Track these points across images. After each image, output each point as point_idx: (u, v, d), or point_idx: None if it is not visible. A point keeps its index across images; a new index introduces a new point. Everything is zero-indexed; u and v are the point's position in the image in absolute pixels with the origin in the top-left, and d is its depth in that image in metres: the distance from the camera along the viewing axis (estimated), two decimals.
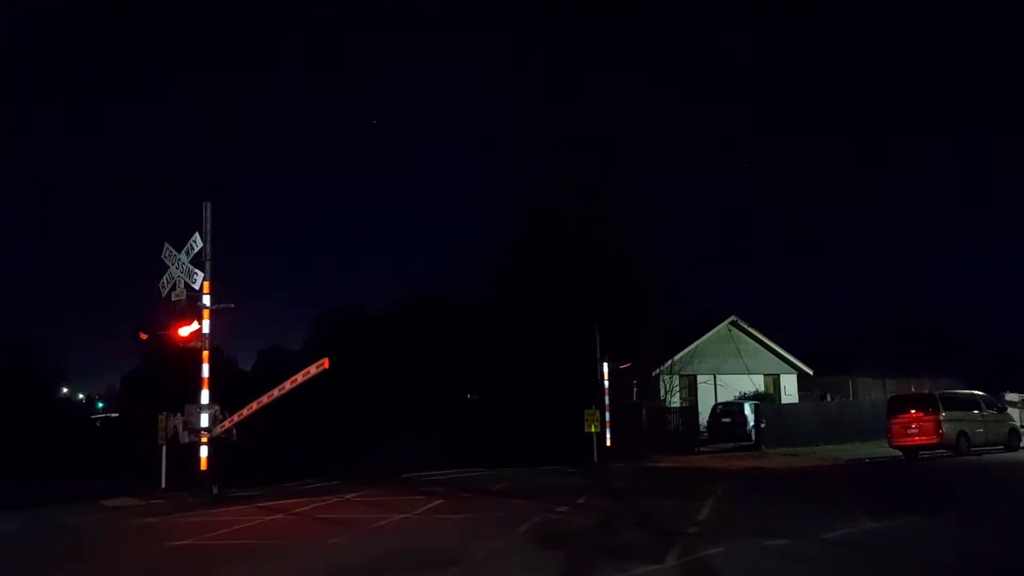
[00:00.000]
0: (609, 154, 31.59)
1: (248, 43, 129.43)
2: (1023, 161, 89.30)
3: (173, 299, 18.12)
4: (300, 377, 16.40)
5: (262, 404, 17.36)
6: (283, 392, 16.93)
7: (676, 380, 31.99)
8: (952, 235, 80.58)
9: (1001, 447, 24.86)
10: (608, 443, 24.47)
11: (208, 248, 17.86)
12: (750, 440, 30.05)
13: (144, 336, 19.87)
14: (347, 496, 16.97)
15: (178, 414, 18.17)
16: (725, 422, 31.88)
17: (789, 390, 38.13)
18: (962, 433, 23.77)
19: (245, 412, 17.60)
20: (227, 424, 17.70)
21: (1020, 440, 25.55)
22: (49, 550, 11.82)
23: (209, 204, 18.13)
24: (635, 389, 30.83)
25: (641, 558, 8.97)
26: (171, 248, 18.31)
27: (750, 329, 37.38)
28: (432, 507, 14.69)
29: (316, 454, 23.45)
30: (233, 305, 18.46)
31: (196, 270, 17.81)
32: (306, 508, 15.31)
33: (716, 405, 33.33)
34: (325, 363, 15.51)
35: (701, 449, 28.96)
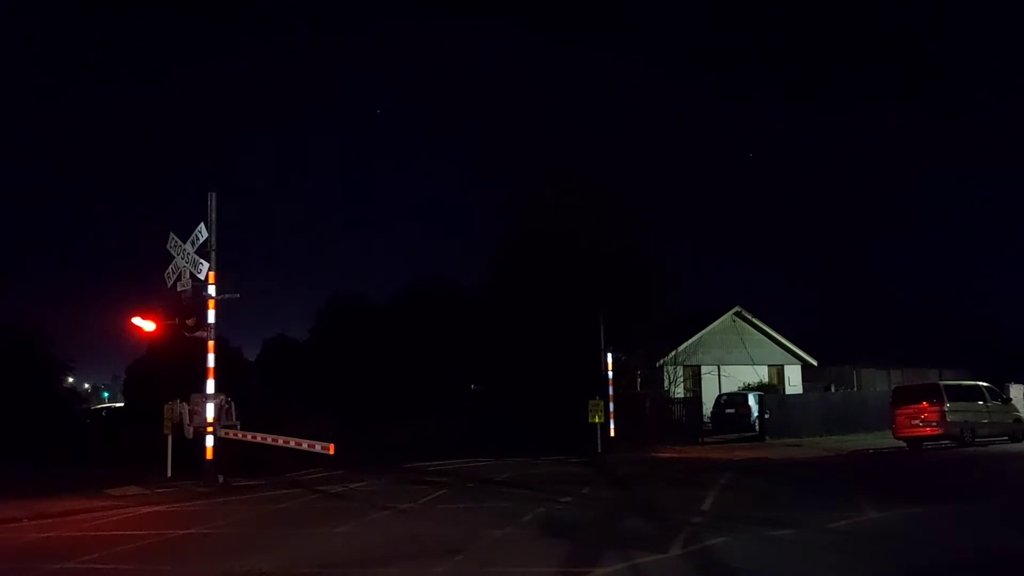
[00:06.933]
0: (610, 146, 31.53)
1: (253, 35, 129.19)
2: None
3: (179, 289, 18.18)
4: (305, 444, 16.55)
5: (265, 440, 17.48)
6: (286, 444, 17.02)
7: (680, 371, 31.95)
8: (955, 227, 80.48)
9: (1006, 438, 24.82)
10: (612, 433, 24.50)
11: (213, 238, 17.88)
12: (754, 431, 30.05)
13: (150, 326, 19.90)
14: (352, 486, 17.03)
15: (184, 403, 18.24)
16: (729, 413, 31.88)
17: (793, 381, 38.09)
18: (966, 424, 23.72)
19: (249, 436, 17.72)
20: (231, 435, 17.78)
21: None
22: (55, 538, 11.89)
23: (215, 194, 18.16)
24: (639, 380, 30.81)
25: (645, 547, 9.00)
26: (177, 238, 18.34)
27: (754, 320, 37.32)
28: (436, 496, 14.74)
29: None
30: (238, 295, 18.51)
31: (202, 260, 17.83)
32: (311, 497, 15.39)
33: (720, 396, 33.33)
34: (331, 449, 15.85)
35: (705, 440, 28.96)
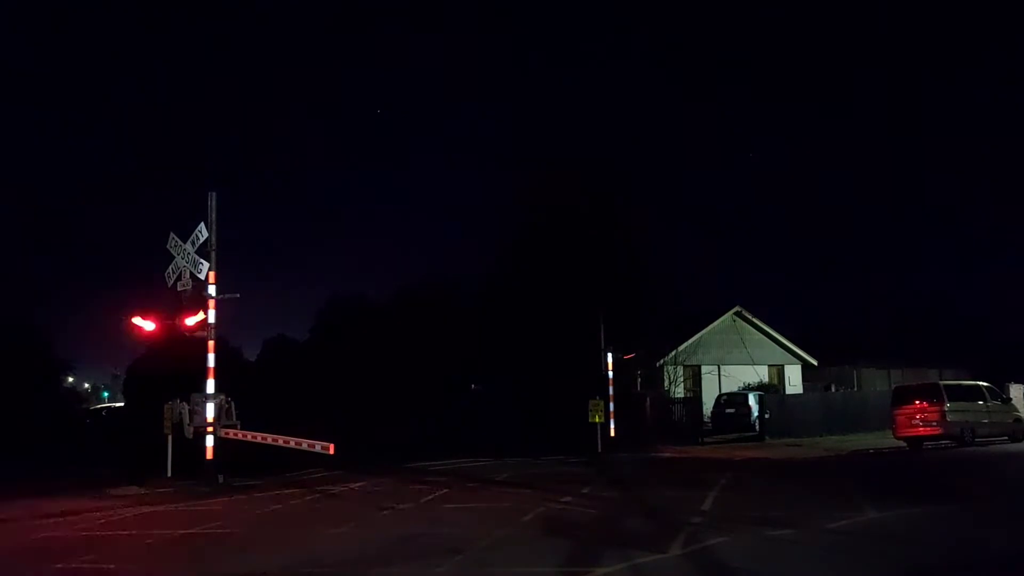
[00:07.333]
0: (612, 146, 31.60)
1: (253, 35, 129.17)
2: None
3: (179, 289, 18.17)
4: (305, 444, 16.52)
5: (265, 440, 17.40)
6: (286, 444, 16.97)
7: (680, 371, 31.99)
8: (956, 226, 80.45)
9: (1006, 438, 24.82)
10: (612, 433, 24.51)
11: (214, 238, 17.87)
12: (754, 431, 30.07)
13: (150, 326, 19.86)
14: (352, 485, 17.04)
15: (184, 403, 18.23)
16: (729, 413, 31.89)
17: (793, 381, 38.11)
18: (967, 424, 23.71)
19: (249, 435, 17.66)
20: (231, 434, 17.75)
21: None
22: (56, 538, 11.90)
23: (215, 194, 18.15)
24: (639, 379, 30.85)
25: (645, 547, 9.00)
26: (177, 238, 18.33)
27: (754, 320, 37.34)
28: (437, 496, 14.74)
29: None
30: (238, 295, 18.50)
31: (202, 260, 17.82)
32: (311, 497, 15.39)
33: (720, 396, 33.34)
34: (331, 448, 15.87)
35: (705, 440, 28.98)
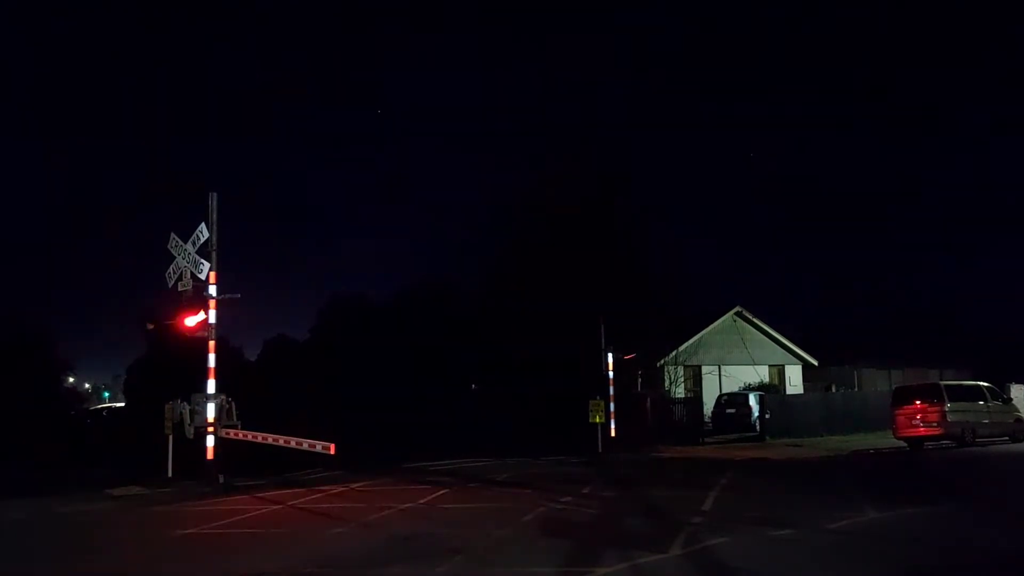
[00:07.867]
0: (612, 145, 31.61)
1: (254, 37, 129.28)
2: None
3: (179, 289, 18.15)
4: (305, 444, 16.52)
5: (265, 440, 17.41)
6: (287, 444, 16.98)
7: (680, 371, 31.97)
8: (956, 226, 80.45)
9: (1007, 438, 24.81)
10: (612, 433, 24.51)
11: (214, 238, 17.86)
12: (755, 431, 30.06)
13: (151, 326, 19.88)
14: (352, 486, 17.04)
15: (184, 403, 18.23)
16: (730, 413, 31.88)
17: (794, 381, 38.08)
18: (967, 424, 23.70)
19: (249, 435, 17.66)
20: (231, 434, 17.74)
21: None
22: (57, 539, 11.91)
23: (215, 194, 18.14)
24: (639, 380, 30.83)
25: (646, 547, 9.00)
26: (177, 238, 18.33)
27: (755, 320, 37.31)
28: (437, 496, 14.75)
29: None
30: (239, 295, 18.48)
31: (202, 260, 17.81)
32: (311, 497, 15.39)
33: (721, 396, 33.33)
34: (331, 448, 15.88)
35: (705, 440, 28.98)
